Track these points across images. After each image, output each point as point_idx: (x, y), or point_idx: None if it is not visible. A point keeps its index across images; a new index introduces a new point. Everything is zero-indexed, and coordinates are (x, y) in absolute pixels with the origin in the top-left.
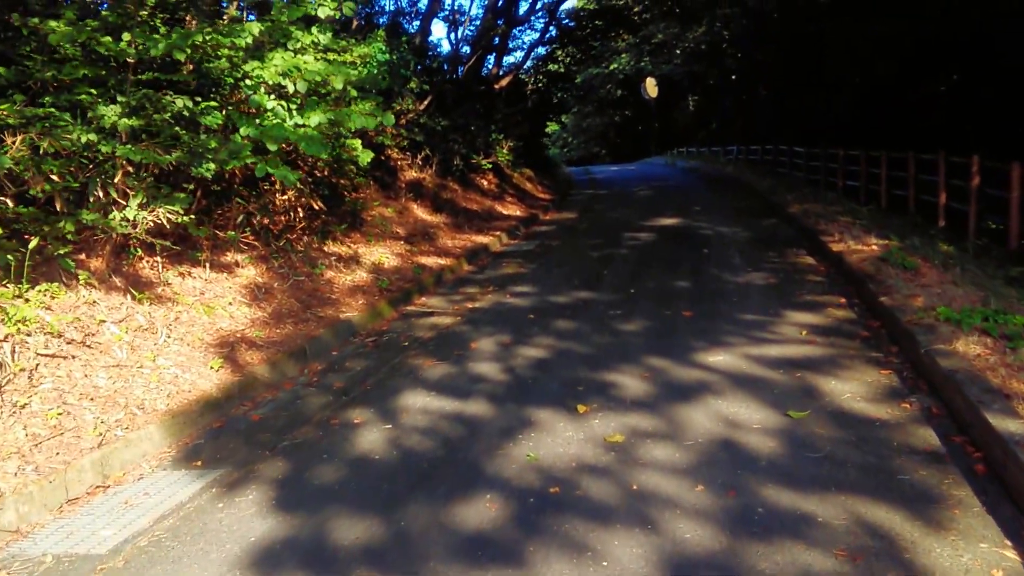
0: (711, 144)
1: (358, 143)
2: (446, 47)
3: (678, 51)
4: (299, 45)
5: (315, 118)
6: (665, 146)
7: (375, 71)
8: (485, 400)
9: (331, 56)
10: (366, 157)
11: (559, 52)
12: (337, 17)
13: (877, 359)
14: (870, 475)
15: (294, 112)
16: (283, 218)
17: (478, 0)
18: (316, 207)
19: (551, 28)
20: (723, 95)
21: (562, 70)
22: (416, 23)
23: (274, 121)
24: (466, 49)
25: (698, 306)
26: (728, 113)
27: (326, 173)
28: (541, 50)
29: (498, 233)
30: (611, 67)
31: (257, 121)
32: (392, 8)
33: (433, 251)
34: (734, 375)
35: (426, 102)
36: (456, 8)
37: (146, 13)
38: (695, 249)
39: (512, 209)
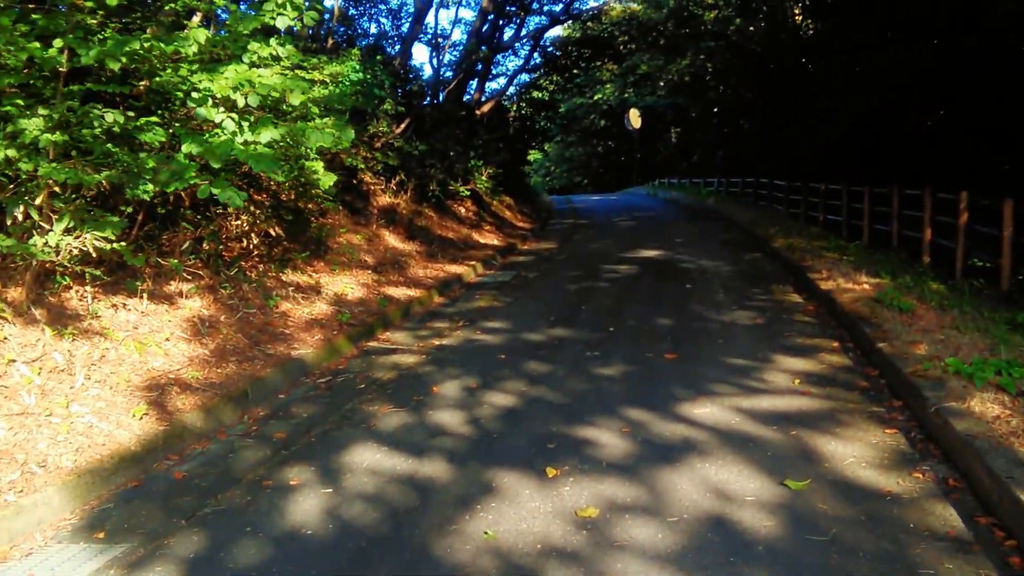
0: (693, 176)
1: (319, 165)
2: (429, 72)
3: (662, 83)
4: (255, 58)
5: (266, 134)
6: (647, 177)
7: (347, 90)
8: (443, 459)
9: (301, 73)
10: (328, 180)
11: (543, 80)
12: (298, 28)
13: (879, 415)
14: (886, 567)
15: (246, 128)
16: (238, 244)
17: (462, 27)
18: (274, 233)
19: (535, 55)
20: (706, 127)
21: (546, 98)
22: (399, 47)
23: (222, 137)
24: (448, 74)
25: (682, 347)
26: (710, 145)
27: (292, 197)
28: (525, 77)
29: (473, 263)
30: (595, 97)
31: (204, 138)
32: (376, 31)
33: (403, 281)
34: (723, 432)
35: (403, 125)
36: (439, 32)
37: (95, 22)
38: (677, 283)
39: (490, 238)
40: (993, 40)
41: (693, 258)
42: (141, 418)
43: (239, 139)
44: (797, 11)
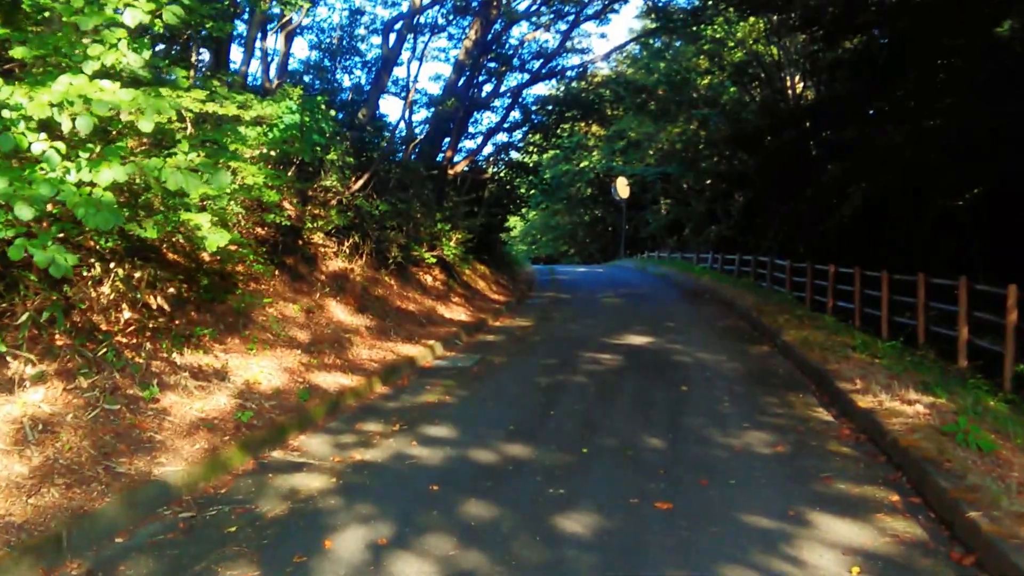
0: (684, 250)
1: (200, 218)
2: (403, 128)
3: (651, 152)
4: (97, 67)
5: (108, 172)
6: (635, 248)
7: (278, 135)
8: None
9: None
10: (217, 241)
11: (523, 142)
12: (157, 29)
13: None
14: None
15: (82, 163)
16: (116, 315)
17: (442, 83)
18: (155, 304)
19: (514, 112)
20: (698, 199)
21: (526, 159)
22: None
23: (46, 175)
24: (421, 130)
25: (679, 490)
26: (703, 218)
27: (210, 258)
28: (504, 136)
29: (432, 342)
30: (581, 164)
31: (20, 173)
32: (351, 84)
33: (340, 365)
34: None
35: (360, 181)
36: (410, 85)
37: None
38: (671, 384)
39: (457, 312)
40: None
41: (689, 349)
42: None
43: (71, 177)
44: (798, 79)
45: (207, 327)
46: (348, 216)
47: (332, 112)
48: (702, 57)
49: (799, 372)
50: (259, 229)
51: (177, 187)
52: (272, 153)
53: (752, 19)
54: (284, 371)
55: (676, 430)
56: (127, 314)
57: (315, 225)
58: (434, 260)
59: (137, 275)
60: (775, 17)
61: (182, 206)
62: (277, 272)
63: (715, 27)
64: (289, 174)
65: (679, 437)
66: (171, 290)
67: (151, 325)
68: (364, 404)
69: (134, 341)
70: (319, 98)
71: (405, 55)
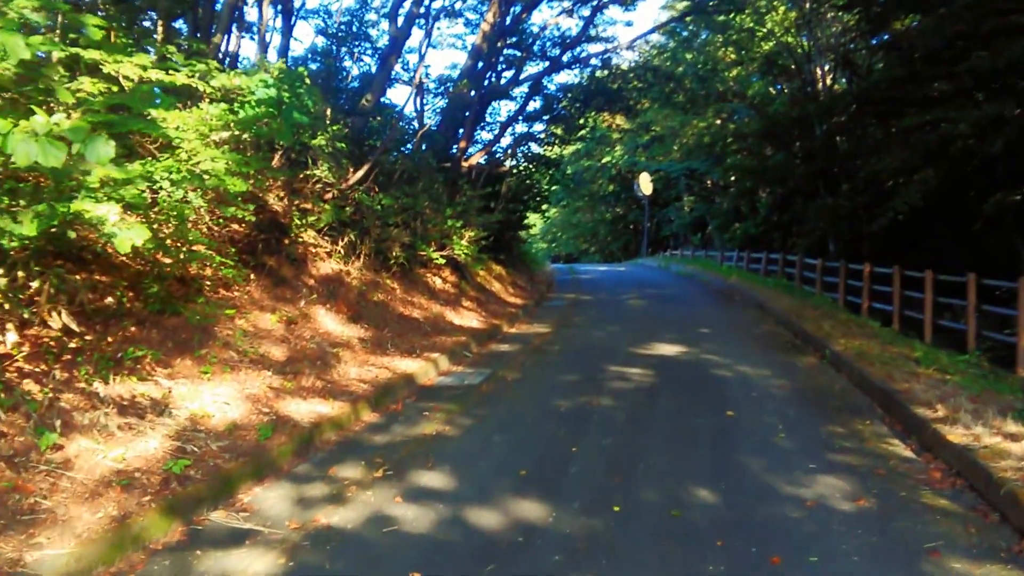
0: (708, 248)
1: (102, 209)
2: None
3: (675, 147)
4: None
5: None
6: (657, 247)
7: (250, 113)
8: None
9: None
10: (130, 239)
11: (543, 133)
12: None
13: None
14: None
15: None
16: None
17: (457, 71)
18: (59, 325)
19: (535, 100)
20: (723, 195)
21: (547, 152)
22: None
23: None
24: (434, 122)
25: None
26: (728, 215)
27: (159, 256)
28: (523, 127)
29: (436, 355)
30: (604, 159)
31: None
32: (360, 74)
33: (320, 388)
34: None
35: (359, 172)
36: (419, 64)
37: None
38: (713, 407)
39: (468, 318)
40: None
41: (727, 361)
42: None
43: None
44: (827, 69)
45: (150, 346)
46: (345, 212)
47: (314, 91)
48: (730, 48)
49: (858, 390)
50: (235, 226)
51: (30, 161)
52: (245, 136)
53: (783, 9)
54: (246, 399)
55: (729, 475)
56: (12, 336)
57: (305, 221)
58: (443, 260)
59: (35, 284)
60: (807, 5)
61: (87, 193)
62: (253, 276)
63: (743, 17)
64: (274, 163)
65: (734, 486)
66: (108, 300)
67: (73, 345)
68: (345, 439)
69: (39, 368)
70: (300, 70)
71: (418, 36)
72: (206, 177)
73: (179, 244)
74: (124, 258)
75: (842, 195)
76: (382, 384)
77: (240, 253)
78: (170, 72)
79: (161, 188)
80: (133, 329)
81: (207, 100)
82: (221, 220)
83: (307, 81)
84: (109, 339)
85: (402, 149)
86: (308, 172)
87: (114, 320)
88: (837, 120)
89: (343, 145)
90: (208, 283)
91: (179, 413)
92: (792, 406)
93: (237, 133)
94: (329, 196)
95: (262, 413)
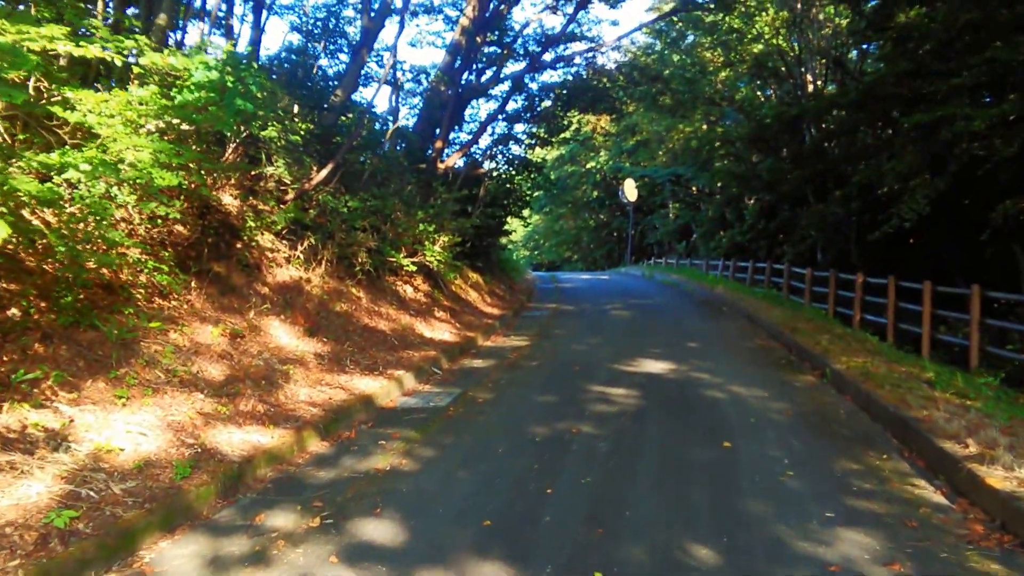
0: (692, 256)
1: None
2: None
3: (661, 152)
4: None
5: None
6: (641, 255)
7: (188, 96)
8: None
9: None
10: None
11: (527, 133)
12: None
13: None
14: None
15: None
16: None
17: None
18: None
19: (516, 99)
20: (708, 202)
21: (529, 155)
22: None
23: None
24: (410, 120)
25: None
26: (714, 223)
27: (84, 262)
28: (504, 127)
29: (401, 373)
30: (588, 165)
31: None
32: (335, 73)
33: (261, 413)
34: None
35: (324, 171)
36: (400, 69)
37: None
38: (708, 436)
39: (440, 330)
40: None
41: (719, 379)
42: None
43: None
44: (818, 72)
45: (55, 365)
46: (308, 214)
47: (261, 75)
48: (718, 50)
49: (866, 415)
50: (179, 227)
51: None
52: (185, 127)
53: (773, 10)
54: (167, 428)
55: (731, 527)
56: None
57: (261, 223)
58: (415, 268)
59: None
60: (799, 6)
61: None
62: (195, 283)
63: (732, 18)
64: (226, 157)
65: (739, 543)
66: (12, 311)
67: None
68: (283, 475)
69: None
70: (247, 49)
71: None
72: (123, 169)
73: (98, 246)
74: (38, 263)
75: (833, 202)
76: (335, 407)
77: (182, 258)
78: (80, 44)
79: (80, 182)
80: (37, 346)
81: (135, 82)
82: (159, 220)
83: (255, 65)
84: (3, 358)
85: (375, 151)
86: (260, 169)
87: (12, 335)
88: (828, 124)
89: (296, 138)
90: (141, 291)
91: (79, 448)
92: (796, 435)
93: (176, 122)
94: (290, 196)
95: (185, 445)
